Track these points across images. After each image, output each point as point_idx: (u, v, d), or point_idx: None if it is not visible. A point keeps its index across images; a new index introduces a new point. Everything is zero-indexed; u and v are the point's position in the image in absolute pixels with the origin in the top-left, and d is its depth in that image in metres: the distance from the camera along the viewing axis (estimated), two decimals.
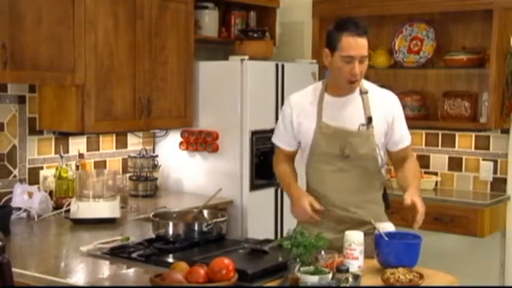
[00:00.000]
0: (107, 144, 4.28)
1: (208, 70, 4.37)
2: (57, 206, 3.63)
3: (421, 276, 2.35)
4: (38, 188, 3.78)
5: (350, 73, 2.68)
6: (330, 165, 2.80)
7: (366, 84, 2.84)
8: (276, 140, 3.01)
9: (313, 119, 2.81)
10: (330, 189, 2.82)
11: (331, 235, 2.66)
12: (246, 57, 4.22)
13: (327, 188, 2.83)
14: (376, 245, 2.54)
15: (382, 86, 3.08)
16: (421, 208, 2.63)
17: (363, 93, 2.79)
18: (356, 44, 2.65)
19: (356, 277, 2.30)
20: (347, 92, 2.78)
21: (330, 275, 2.20)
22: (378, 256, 2.54)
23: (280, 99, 4.37)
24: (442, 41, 4.70)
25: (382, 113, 2.78)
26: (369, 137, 2.75)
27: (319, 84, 2.90)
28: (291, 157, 3.00)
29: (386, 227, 2.77)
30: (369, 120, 2.75)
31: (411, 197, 2.65)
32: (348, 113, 2.78)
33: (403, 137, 2.86)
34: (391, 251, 2.49)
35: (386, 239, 2.51)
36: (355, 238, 2.47)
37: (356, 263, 2.44)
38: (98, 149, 4.22)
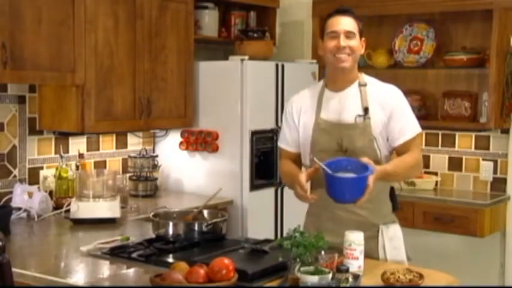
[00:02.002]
0: (107, 144, 4.28)
1: (208, 70, 4.37)
2: (57, 206, 3.63)
3: (421, 276, 2.34)
4: (38, 188, 3.78)
5: (336, 47, 2.71)
6: None
7: (366, 78, 2.82)
8: (280, 142, 2.93)
9: (312, 116, 2.79)
10: None
11: (332, 238, 2.49)
12: (246, 57, 4.22)
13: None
14: (325, 178, 2.50)
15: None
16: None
17: (362, 85, 2.77)
18: (339, 21, 2.73)
19: (356, 277, 2.30)
20: (341, 75, 2.76)
21: (330, 275, 2.20)
22: (326, 190, 2.52)
23: (280, 99, 4.37)
24: (442, 41, 4.70)
25: (380, 105, 2.72)
26: (365, 128, 2.69)
27: (319, 83, 2.90)
28: (296, 161, 2.88)
29: (390, 230, 2.75)
30: (365, 111, 2.70)
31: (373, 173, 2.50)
32: (346, 106, 2.75)
33: (402, 132, 2.74)
34: (337, 185, 2.48)
35: (330, 172, 2.47)
36: (355, 238, 2.46)
37: (356, 263, 2.44)
38: (98, 149, 4.22)
